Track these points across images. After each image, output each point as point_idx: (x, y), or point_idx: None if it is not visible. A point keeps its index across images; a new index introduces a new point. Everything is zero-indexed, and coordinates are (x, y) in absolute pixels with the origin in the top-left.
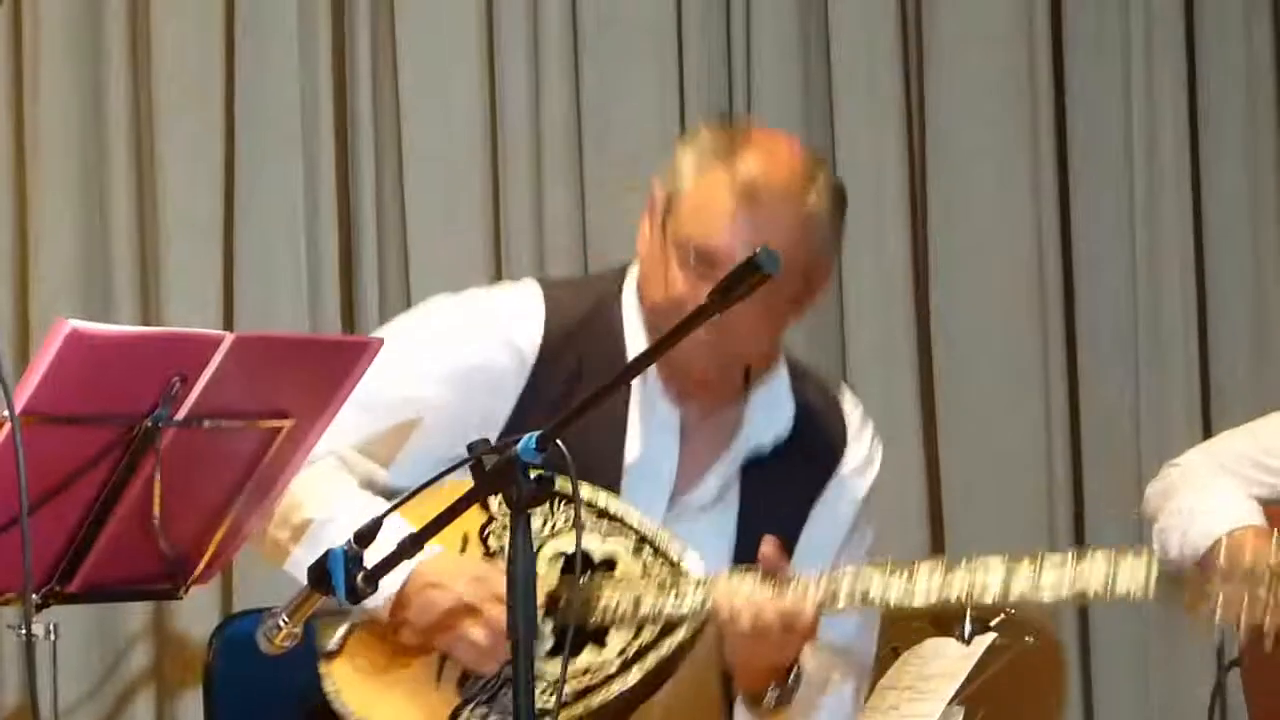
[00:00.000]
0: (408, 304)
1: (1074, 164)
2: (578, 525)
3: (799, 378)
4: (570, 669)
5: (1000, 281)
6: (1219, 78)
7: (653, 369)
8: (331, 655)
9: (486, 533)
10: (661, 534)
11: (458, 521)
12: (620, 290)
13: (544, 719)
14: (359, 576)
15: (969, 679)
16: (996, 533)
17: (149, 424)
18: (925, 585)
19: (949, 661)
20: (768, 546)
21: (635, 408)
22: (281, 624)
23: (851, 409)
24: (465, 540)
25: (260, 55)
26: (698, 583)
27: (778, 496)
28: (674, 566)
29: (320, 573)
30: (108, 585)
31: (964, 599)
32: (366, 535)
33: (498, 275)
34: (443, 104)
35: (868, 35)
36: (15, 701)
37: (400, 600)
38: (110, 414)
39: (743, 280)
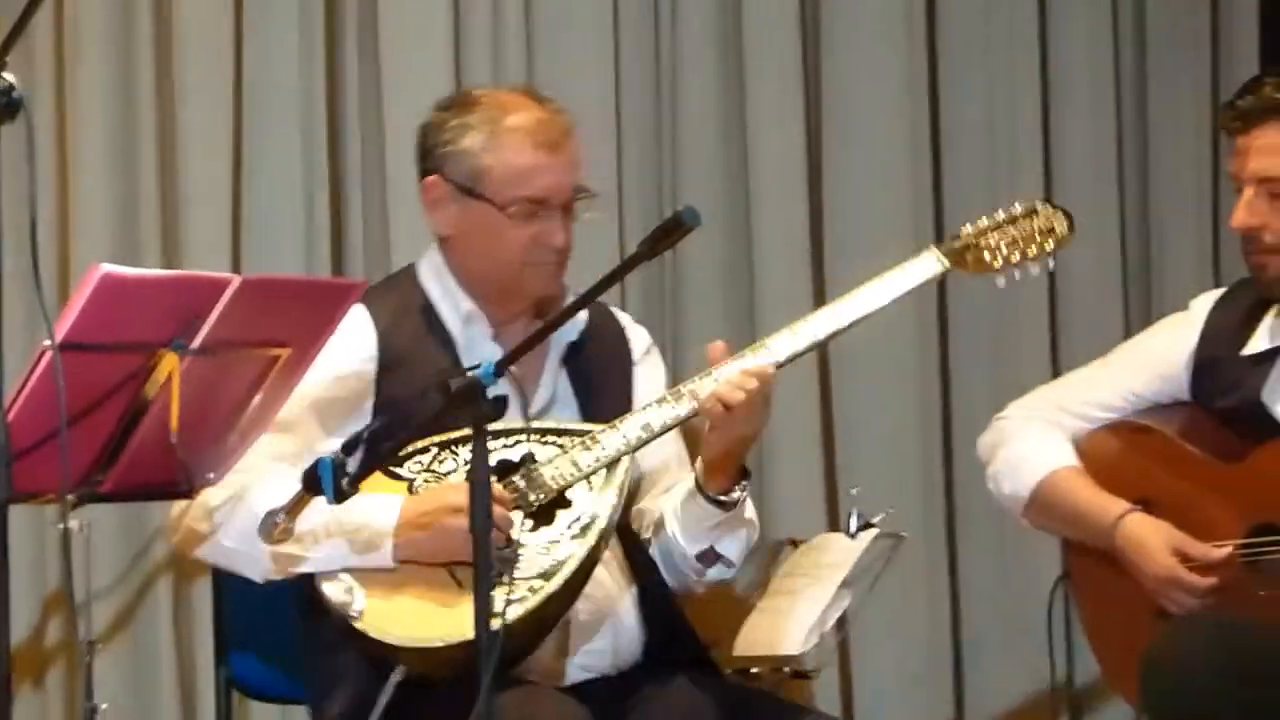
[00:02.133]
0: (387, 254)
1: (945, 129)
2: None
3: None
4: (556, 526)
5: (884, 235)
6: (1068, 54)
7: (476, 324)
8: (360, 614)
9: (415, 489)
10: (549, 423)
11: (393, 488)
12: (416, 276)
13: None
14: (344, 481)
15: (855, 568)
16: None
17: (169, 351)
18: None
19: (838, 553)
20: (715, 346)
21: (464, 356)
22: (279, 520)
23: (616, 311)
24: (411, 490)
25: (264, 44)
26: (607, 429)
27: (600, 373)
28: (582, 434)
29: (311, 478)
30: (133, 487)
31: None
32: (352, 444)
33: None
34: (417, 88)
35: (773, 34)
36: (54, 586)
37: (403, 545)
38: (136, 343)
39: (670, 234)
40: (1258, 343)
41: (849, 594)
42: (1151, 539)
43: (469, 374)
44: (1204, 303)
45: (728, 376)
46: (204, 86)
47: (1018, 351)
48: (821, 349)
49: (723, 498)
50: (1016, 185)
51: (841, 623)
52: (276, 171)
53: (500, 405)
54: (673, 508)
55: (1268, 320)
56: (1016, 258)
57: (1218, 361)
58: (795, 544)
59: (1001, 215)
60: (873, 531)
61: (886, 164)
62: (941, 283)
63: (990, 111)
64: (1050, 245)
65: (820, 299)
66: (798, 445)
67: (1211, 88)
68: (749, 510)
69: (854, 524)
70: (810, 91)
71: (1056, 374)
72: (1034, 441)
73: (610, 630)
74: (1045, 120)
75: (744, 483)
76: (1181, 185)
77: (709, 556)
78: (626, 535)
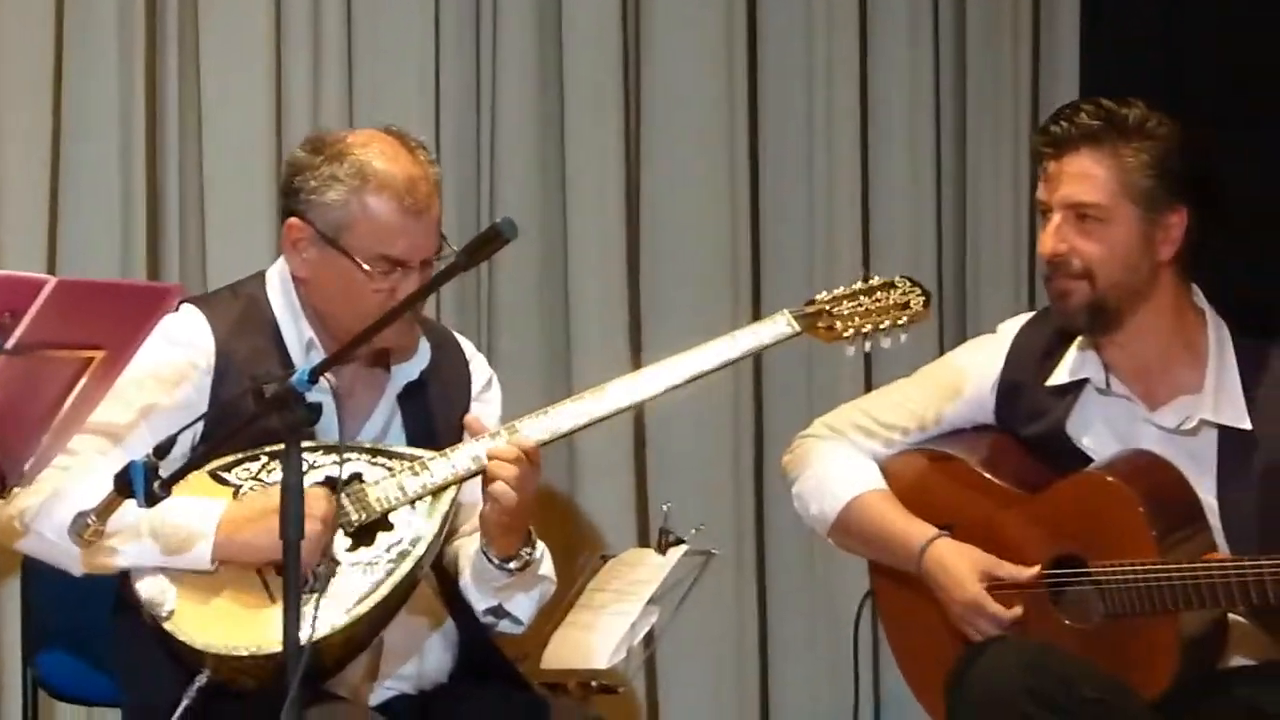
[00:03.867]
0: (203, 262)
1: (763, 144)
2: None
3: (423, 322)
4: (376, 548)
5: (700, 248)
6: (886, 80)
7: (315, 353)
8: (170, 615)
9: (242, 494)
10: (381, 445)
11: (218, 493)
12: (264, 286)
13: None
14: (155, 484)
15: (664, 583)
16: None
17: None
18: (590, 407)
19: (648, 569)
20: (471, 419)
21: None
22: (90, 521)
23: (462, 341)
24: (236, 497)
25: (84, 56)
26: (438, 456)
27: (436, 412)
28: (411, 459)
29: (123, 480)
30: None
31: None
32: (165, 448)
33: (278, 244)
34: (236, 99)
35: (593, 50)
36: None
37: (221, 547)
38: None
39: (488, 245)
40: (1060, 375)
41: (657, 609)
42: (959, 565)
43: (283, 380)
44: (1010, 327)
45: (497, 450)
46: (23, 92)
47: (831, 368)
48: (638, 361)
49: (508, 565)
50: (834, 200)
51: (650, 638)
52: (94, 178)
53: (315, 412)
54: (467, 555)
55: (1071, 352)
56: (868, 329)
57: (1022, 389)
58: (605, 559)
59: (859, 285)
60: (683, 548)
61: (703, 177)
62: (755, 292)
63: (809, 131)
64: (904, 320)
65: (635, 309)
66: (609, 461)
67: (1031, 115)
68: (544, 567)
69: (667, 538)
70: (630, 105)
71: (870, 390)
72: (841, 463)
73: (420, 655)
74: (864, 141)
75: (527, 549)
76: (998, 207)
77: (498, 612)
78: (444, 564)
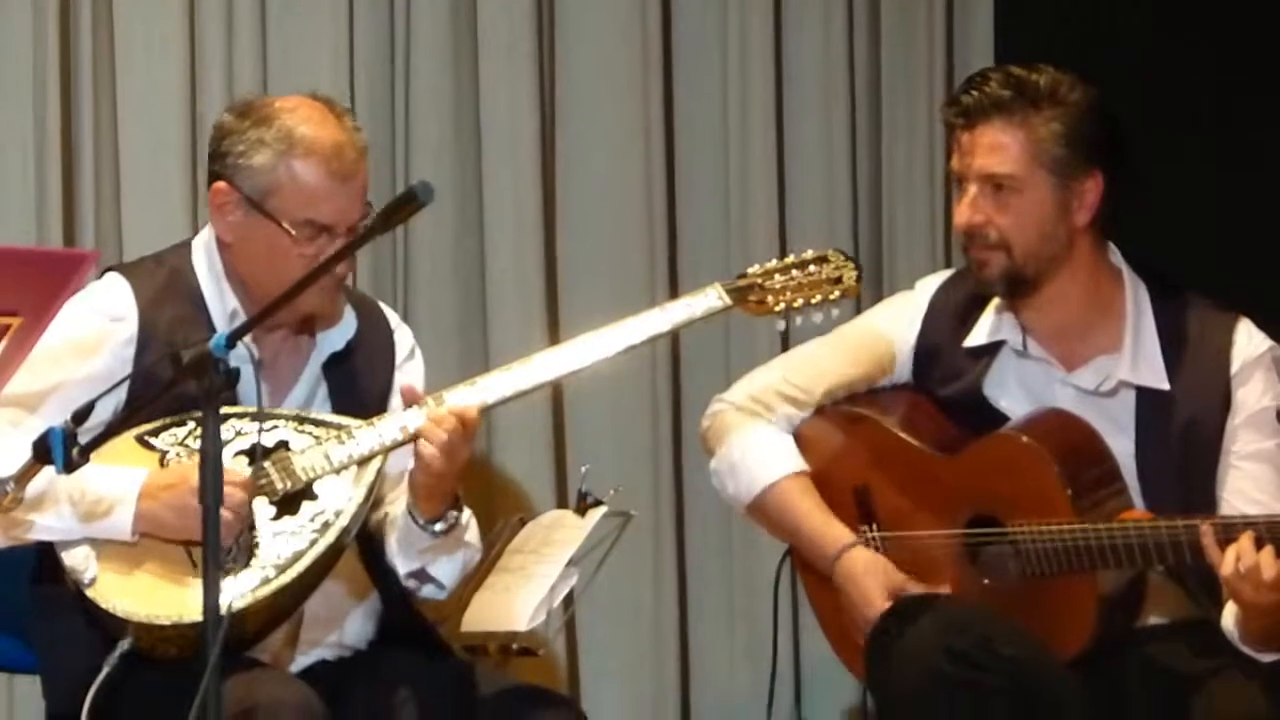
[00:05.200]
0: (118, 226)
1: (678, 93)
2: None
3: (348, 292)
4: (300, 517)
5: (615, 217)
6: (799, 51)
7: (238, 322)
8: (93, 582)
9: (167, 461)
10: (307, 413)
11: (144, 459)
12: (189, 255)
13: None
14: (74, 451)
15: (583, 545)
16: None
17: None
18: (517, 379)
19: (567, 531)
20: (407, 388)
21: None
22: (8, 488)
23: (387, 310)
24: (162, 463)
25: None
26: (365, 425)
27: (361, 382)
28: (337, 428)
29: (42, 446)
30: None
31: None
32: (83, 414)
33: (194, 208)
34: (149, 60)
35: (508, 16)
36: None
37: (142, 516)
38: None
39: (403, 208)
40: (977, 336)
41: (576, 571)
42: (867, 582)
43: (200, 344)
44: (929, 286)
45: (434, 415)
46: None
47: (749, 331)
48: (554, 326)
49: (433, 526)
50: (748, 167)
51: (569, 600)
52: (7, 145)
53: (233, 376)
54: (392, 519)
55: (988, 313)
56: (799, 303)
57: (940, 349)
58: (524, 521)
59: (791, 258)
60: (601, 509)
61: (619, 145)
62: (671, 259)
63: (724, 98)
64: (835, 295)
65: (551, 275)
66: (527, 423)
67: (946, 81)
68: (470, 534)
69: (586, 499)
70: (544, 67)
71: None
72: (759, 444)
73: (342, 622)
74: (779, 108)
75: (454, 512)
76: (913, 177)
77: (421, 576)
78: (368, 534)
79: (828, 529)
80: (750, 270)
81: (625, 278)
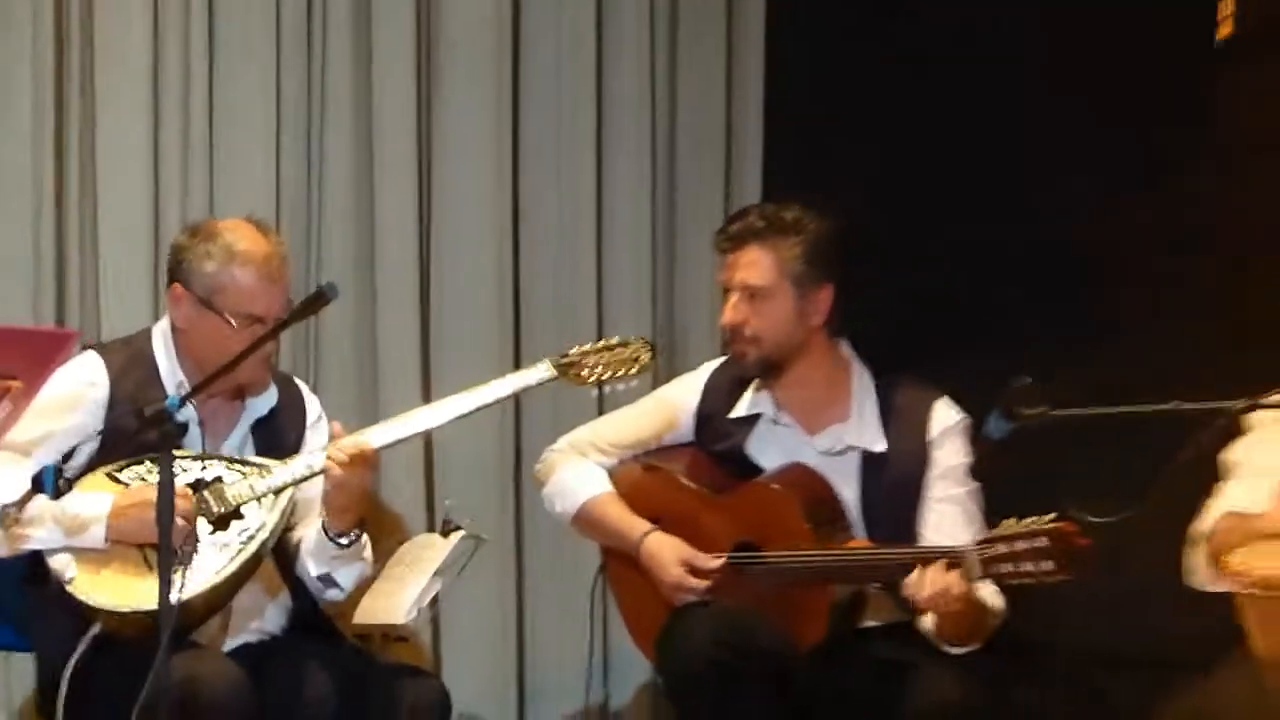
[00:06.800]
0: (98, 312)
1: (523, 220)
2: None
3: (274, 371)
4: (230, 533)
5: (475, 306)
6: (617, 171)
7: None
8: (72, 580)
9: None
10: (237, 457)
11: (112, 489)
12: (150, 339)
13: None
14: (60, 482)
15: (446, 560)
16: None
17: None
18: (399, 428)
19: (434, 549)
20: (334, 425)
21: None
22: (11, 511)
23: (300, 384)
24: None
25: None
26: (280, 464)
27: (281, 439)
28: (260, 466)
29: (37, 480)
30: None
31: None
32: (68, 456)
33: (155, 301)
34: (123, 191)
35: (396, 149)
36: None
37: (113, 529)
38: None
39: (315, 303)
40: (741, 409)
41: (441, 580)
42: (665, 553)
43: (159, 404)
44: (708, 367)
45: (342, 446)
46: None
47: (573, 396)
48: (428, 390)
49: (340, 539)
50: (577, 272)
51: (435, 600)
52: (12, 246)
53: (183, 428)
54: (307, 536)
55: (749, 392)
56: (607, 376)
57: (714, 416)
58: (401, 542)
59: (603, 343)
60: (461, 533)
61: (480, 246)
62: (516, 338)
63: (559, 219)
64: (635, 370)
65: (425, 350)
66: (406, 465)
67: (724, 215)
68: (366, 552)
69: (451, 525)
70: (423, 191)
71: (601, 414)
72: (579, 473)
73: (262, 614)
74: (599, 231)
75: (356, 531)
76: (699, 284)
77: (327, 580)
78: (283, 547)
79: (633, 524)
80: (571, 351)
81: (482, 353)
